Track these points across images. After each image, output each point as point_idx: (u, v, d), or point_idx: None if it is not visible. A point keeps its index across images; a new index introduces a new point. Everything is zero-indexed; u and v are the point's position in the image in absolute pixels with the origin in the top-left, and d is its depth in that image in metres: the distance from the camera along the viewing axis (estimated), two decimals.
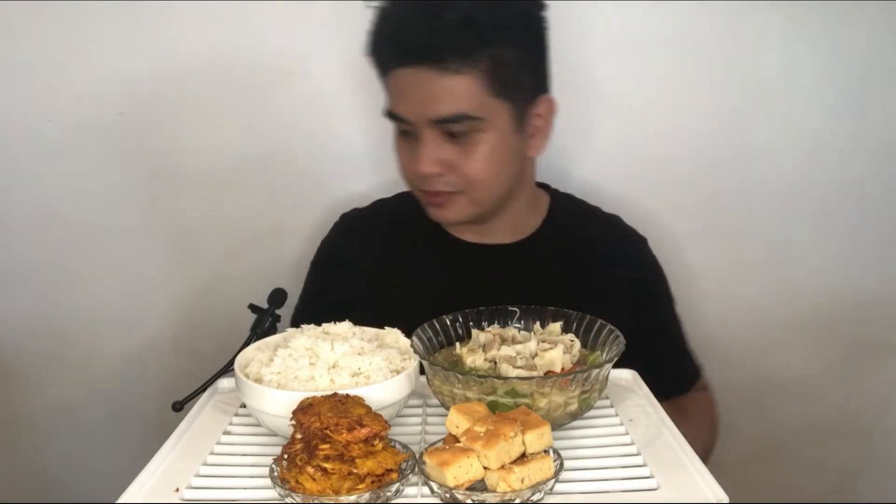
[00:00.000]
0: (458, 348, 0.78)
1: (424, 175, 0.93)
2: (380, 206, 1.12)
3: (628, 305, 0.96)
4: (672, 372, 1.05)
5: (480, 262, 1.03)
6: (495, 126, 0.93)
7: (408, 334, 0.77)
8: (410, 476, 0.60)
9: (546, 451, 0.60)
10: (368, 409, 0.62)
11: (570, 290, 0.92)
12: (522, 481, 0.56)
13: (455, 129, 0.91)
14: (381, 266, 1.06)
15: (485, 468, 0.57)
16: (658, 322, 1.06)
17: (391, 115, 0.95)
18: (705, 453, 1.06)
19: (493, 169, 0.94)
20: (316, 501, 0.56)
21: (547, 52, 0.98)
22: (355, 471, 0.57)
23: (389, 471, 0.58)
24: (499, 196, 0.98)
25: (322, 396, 0.63)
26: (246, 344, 0.81)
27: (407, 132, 0.95)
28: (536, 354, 0.74)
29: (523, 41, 0.94)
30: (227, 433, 0.72)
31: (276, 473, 0.59)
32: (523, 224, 1.04)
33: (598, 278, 1.01)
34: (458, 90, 0.90)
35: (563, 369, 0.71)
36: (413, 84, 0.91)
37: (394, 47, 0.93)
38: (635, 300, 1.01)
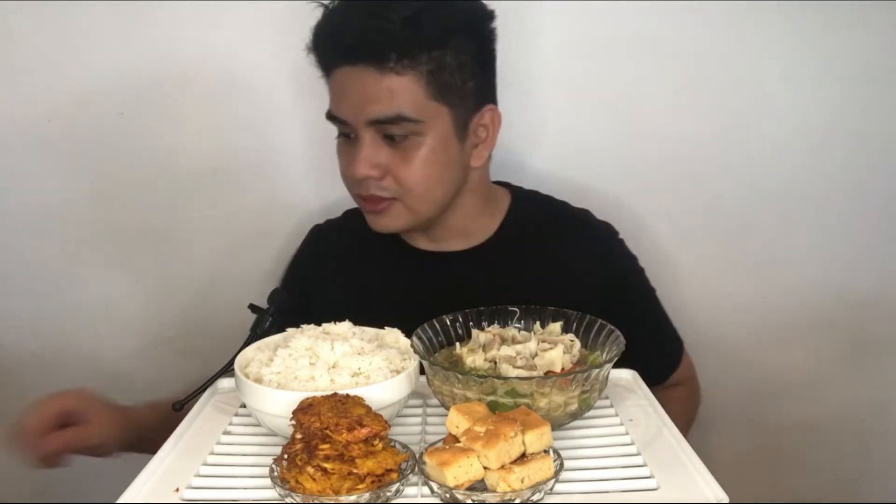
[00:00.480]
0: (458, 348, 0.78)
1: (360, 178, 0.92)
2: (348, 217, 1.11)
3: (601, 302, 0.90)
4: (649, 364, 0.98)
5: (436, 270, 1.02)
6: (435, 131, 0.92)
7: None
8: (410, 476, 0.60)
9: (546, 451, 0.60)
10: (368, 409, 0.62)
11: (533, 293, 0.89)
12: (522, 481, 0.56)
13: (393, 131, 0.90)
14: (348, 277, 1.06)
15: (485, 468, 0.57)
16: (634, 316, 1.01)
17: (330, 116, 0.95)
18: None
19: (431, 175, 0.93)
20: (316, 501, 0.56)
21: (494, 62, 0.98)
22: (355, 471, 0.57)
23: (389, 471, 0.58)
24: (437, 205, 0.97)
25: (322, 396, 0.63)
26: (246, 344, 0.81)
27: (347, 135, 0.95)
28: (536, 354, 0.74)
29: (468, 47, 0.93)
30: (227, 433, 0.72)
31: (276, 473, 0.59)
32: (476, 229, 1.03)
33: (565, 278, 1.00)
34: (397, 91, 0.89)
35: (563, 369, 0.71)
36: (353, 84, 0.90)
37: (335, 45, 0.92)
38: (607, 296, 0.97)
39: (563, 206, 1.08)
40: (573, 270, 1.01)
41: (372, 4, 0.89)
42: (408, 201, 0.94)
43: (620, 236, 1.08)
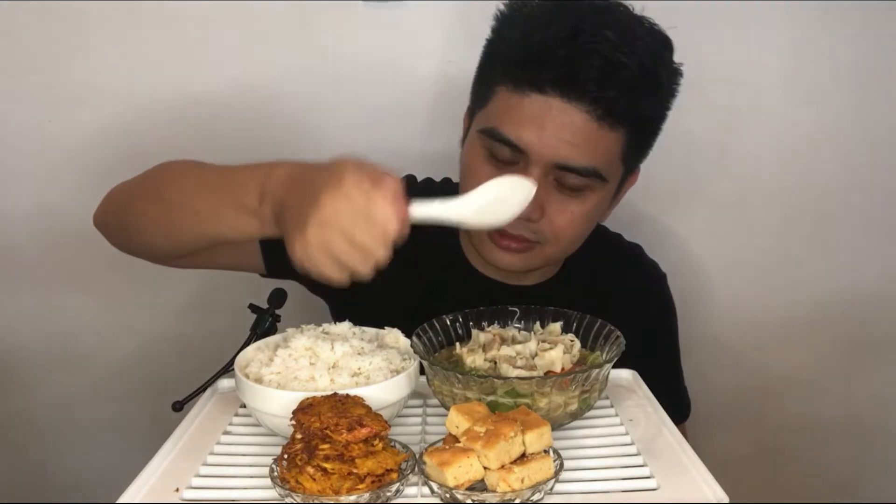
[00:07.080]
0: (458, 348, 0.78)
1: (522, 217, 0.79)
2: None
3: (637, 341, 0.83)
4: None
5: (499, 301, 0.91)
6: (606, 189, 0.85)
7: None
8: (410, 476, 0.60)
9: (546, 451, 0.60)
10: (368, 409, 0.61)
11: None
12: (522, 481, 0.56)
13: (574, 182, 0.82)
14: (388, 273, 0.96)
15: (485, 468, 0.57)
16: (660, 358, 1.01)
17: (503, 140, 0.81)
18: None
19: (583, 230, 0.87)
20: (316, 501, 0.56)
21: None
22: (355, 471, 0.57)
23: (389, 471, 0.58)
24: (566, 256, 0.92)
25: (322, 396, 0.63)
26: (246, 344, 0.81)
27: (504, 160, 0.83)
28: (536, 354, 0.74)
29: (668, 106, 0.83)
30: (227, 433, 0.72)
31: (276, 473, 0.59)
32: (551, 267, 0.98)
33: (612, 312, 0.90)
34: (603, 145, 0.80)
35: (563, 369, 0.71)
36: (556, 119, 0.78)
37: (552, 71, 0.78)
38: (645, 337, 0.88)
39: (619, 239, 1.04)
40: (619, 305, 0.95)
41: (613, 38, 0.76)
42: (549, 249, 0.87)
43: (667, 279, 1.05)
